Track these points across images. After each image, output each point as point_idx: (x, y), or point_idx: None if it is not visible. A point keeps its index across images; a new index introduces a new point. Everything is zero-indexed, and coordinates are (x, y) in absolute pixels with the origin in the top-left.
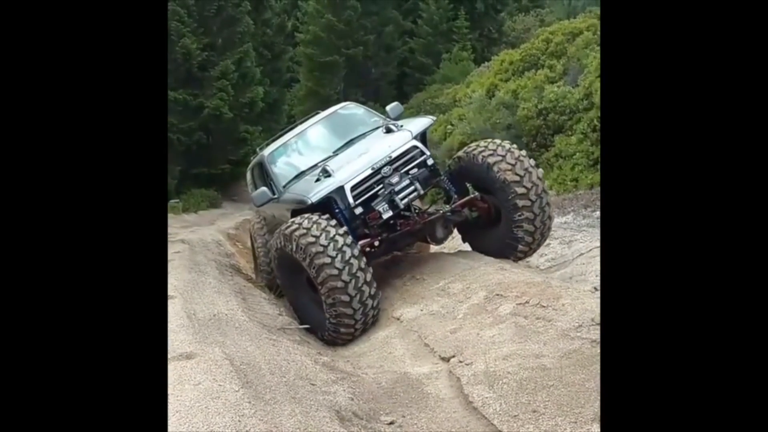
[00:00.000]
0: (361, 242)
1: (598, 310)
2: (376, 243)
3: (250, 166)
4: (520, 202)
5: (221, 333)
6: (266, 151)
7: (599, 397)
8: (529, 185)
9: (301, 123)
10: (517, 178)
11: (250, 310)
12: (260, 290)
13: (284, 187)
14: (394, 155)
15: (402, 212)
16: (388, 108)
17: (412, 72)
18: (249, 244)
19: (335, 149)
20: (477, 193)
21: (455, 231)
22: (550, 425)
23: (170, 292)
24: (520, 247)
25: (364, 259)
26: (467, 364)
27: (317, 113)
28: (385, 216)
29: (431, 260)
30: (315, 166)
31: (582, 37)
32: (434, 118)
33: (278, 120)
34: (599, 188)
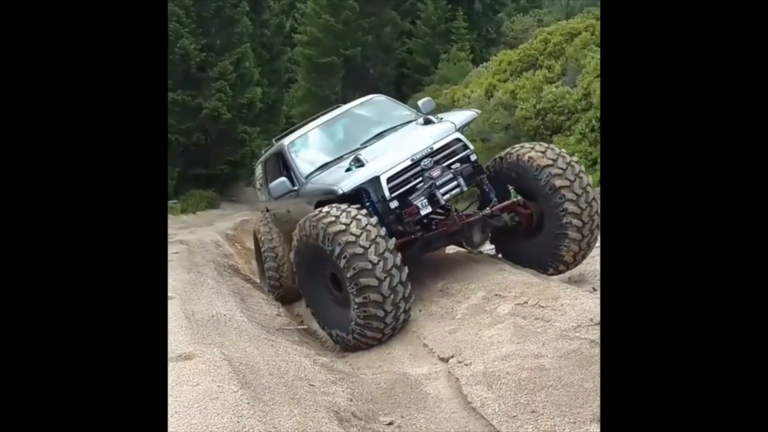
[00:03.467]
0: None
1: (596, 311)
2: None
3: (262, 158)
4: (569, 208)
5: (220, 334)
6: (286, 141)
7: (598, 398)
8: (579, 192)
9: (324, 114)
10: (567, 183)
11: (248, 311)
12: (259, 291)
13: (306, 178)
14: (435, 147)
15: (440, 210)
16: (419, 102)
17: (411, 72)
18: (249, 245)
19: (363, 142)
20: (519, 198)
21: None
22: (549, 425)
23: (169, 292)
24: (565, 257)
25: (399, 255)
26: (466, 365)
27: (338, 106)
28: (424, 212)
29: (429, 261)
30: (341, 158)
31: (580, 37)
32: (478, 111)
33: (276, 121)
34: (597, 188)
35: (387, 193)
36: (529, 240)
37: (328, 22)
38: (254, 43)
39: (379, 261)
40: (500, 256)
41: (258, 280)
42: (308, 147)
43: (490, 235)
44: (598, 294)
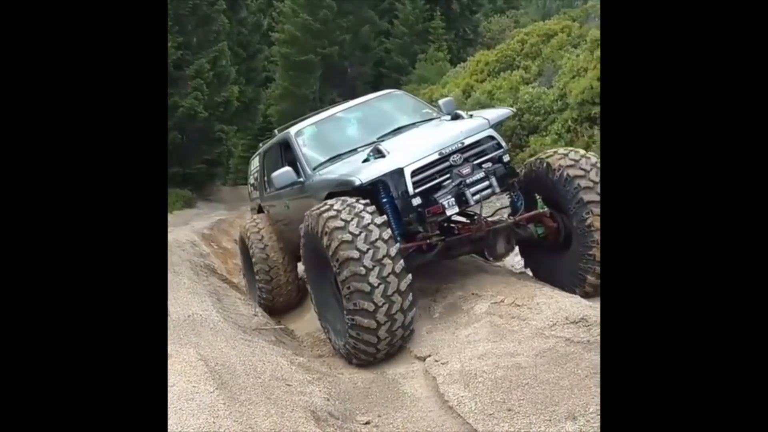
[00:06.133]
0: (411, 244)
1: (572, 309)
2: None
3: (261, 150)
4: (596, 225)
5: (196, 334)
6: (293, 129)
7: (573, 395)
8: None
9: (335, 105)
10: (597, 198)
11: (224, 311)
12: (235, 291)
13: (314, 169)
14: (467, 142)
15: (466, 213)
16: (440, 102)
17: (389, 72)
18: (225, 244)
19: (380, 136)
20: (546, 209)
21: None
22: (525, 423)
23: None
24: (590, 279)
25: (402, 262)
26: (443, 364)
27: (337, 102)
28: (450, 212)
29: None
30: (355, 150)
31: (556, 38)
32: (513, 110)
33: (254, 119)
34: None
35: (410, 188)
36: (557, 256)
37: (305, 20)
38: (231, 42)
39: (374, 267)
40: (529, 271)
41: (235, 280)
42: (318, 137)
43: (514, 246)
44: (574, 294)
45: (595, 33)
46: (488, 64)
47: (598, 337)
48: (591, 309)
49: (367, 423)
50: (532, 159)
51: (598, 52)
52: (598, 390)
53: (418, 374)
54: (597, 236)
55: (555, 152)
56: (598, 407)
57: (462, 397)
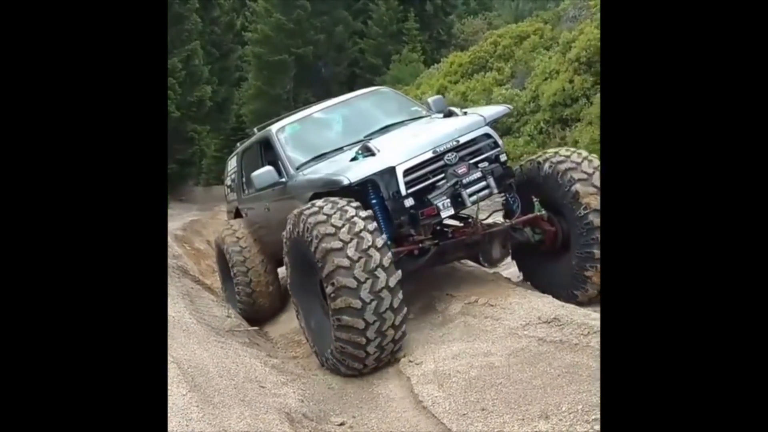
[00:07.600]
0: (403, 248)
1: (544, 309)
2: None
3: (239, 150)
4: (596, 222)
5: (168, 336)
6: (274, 127)
7: (546, 395)
8: None
9: (312, 105)
10: (597, 202)
11: (197, 313)
12: (208, 292)
13: (298, 169)
14: (462, 140)
15: (459, 216)
16: (430, 100)
17: (363, 72)
18: (198, 245)
19: (367, 134)
20: (543, 212)
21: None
22: (498, 423)
23: None
24: (589, 289)
25: (397, 274)
26: (417, 364)
27: (311, 102)
28: (445, 214)
29: None
30: (341, 149)
31: (529, 40)
32: (510, 107)
33: (226, 119)
34: None
35: (402, 189)
36: (553, 262)
37: (279, 20)
38: (204, 41)
39: (366, 279)
40: (521, 277)
41: (208, 282)
42: (301, 135)
43: (510, 251)
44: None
45: (567, 35)
46: (462, 66)
47: (570, 337)
48: (563, 309)
49: (342, 424)
50: (529, 159)
51: (569, 54)
52: (571, 389)
53: (393, 375)
54: (597, 235)
55: (555, 153)
56: (571, 406)
57: (436, 397)
